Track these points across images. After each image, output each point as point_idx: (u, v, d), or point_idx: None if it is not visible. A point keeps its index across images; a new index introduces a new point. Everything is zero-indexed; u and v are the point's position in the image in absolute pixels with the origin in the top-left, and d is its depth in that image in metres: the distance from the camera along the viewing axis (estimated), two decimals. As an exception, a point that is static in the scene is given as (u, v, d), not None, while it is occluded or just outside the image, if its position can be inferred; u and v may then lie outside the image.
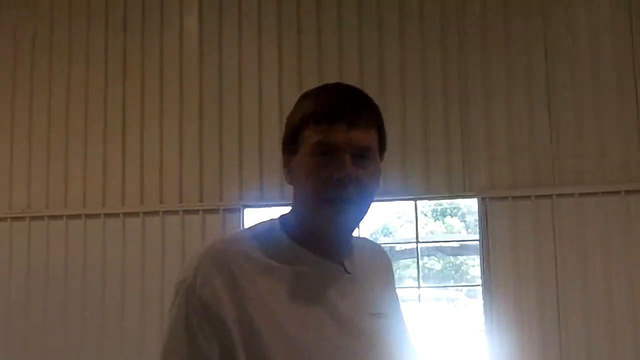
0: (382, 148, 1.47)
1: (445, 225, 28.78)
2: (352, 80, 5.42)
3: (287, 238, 1.44)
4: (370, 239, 1.76)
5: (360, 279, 1.49)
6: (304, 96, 1.45)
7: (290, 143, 1.43)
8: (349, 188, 1.36)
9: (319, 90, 1.44)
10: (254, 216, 5.60)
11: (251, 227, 1.51)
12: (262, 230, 1.47)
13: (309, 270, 1.42)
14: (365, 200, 1.41)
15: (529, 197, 5.25)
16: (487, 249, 5.27)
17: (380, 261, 1.64)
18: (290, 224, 1.46)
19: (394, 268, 1.70)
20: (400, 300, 1.67)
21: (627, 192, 5.14)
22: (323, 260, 1.44)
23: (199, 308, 1.33)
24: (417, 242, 5.95)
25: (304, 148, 1.39)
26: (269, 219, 1.51)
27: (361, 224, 1.48)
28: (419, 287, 5.80)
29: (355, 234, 1.55)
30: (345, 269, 1.46)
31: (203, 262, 1.38)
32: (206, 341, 1.32)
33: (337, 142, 1.36)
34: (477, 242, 5.38)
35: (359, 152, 1.38)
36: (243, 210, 5.62)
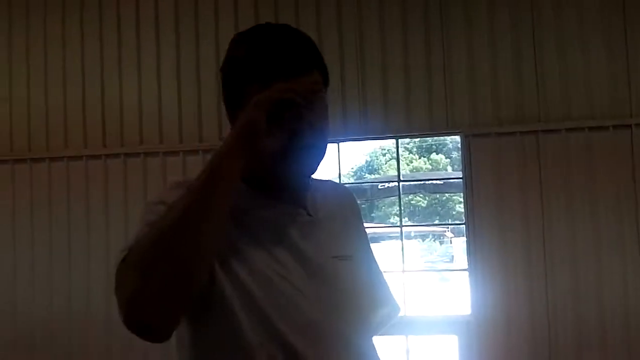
0: (326, 83, 1.43)
1: (430, 161, 28.99)
2: (330, 15, 5.33)
3: (243, 185, 1.40)
4: (334, 180, 1.75)
5: (322, 222, 1.47)
6: (241, 43, 1.40)
7: (235, 98, 1.39)
8: (307, 135, 1.33)
9: (257, 39, 1.38)
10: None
11: None
12: None
13: (270, 215, 1.41)
14: (323, 142, 1.40)
15: (513, 133, 5.17)
16: (471, 187, 5.22)
17: (344, 203, 1.63)
18: (246, 171, 1.40)
19: (364, 209, 1.68)
20: (368, 240, 1.66)
21: (615, 127, 5.07)
22: (283, 204, 1.43)
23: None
24: (399, 180, 5.90)
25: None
26: None
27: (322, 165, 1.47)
28: (400, 225, 5.77)
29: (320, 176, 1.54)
30: (307, 212, 1.45)
31: (167, 189, 1.38)
32: None
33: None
34: (461, 180, 5.33)
35: (311, 97, 1.34)
36: (223, 150, 5.51)
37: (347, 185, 5.76)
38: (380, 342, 1.58)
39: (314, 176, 1.49)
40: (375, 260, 1.65)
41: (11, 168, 5.73)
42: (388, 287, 1.66)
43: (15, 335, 5.57)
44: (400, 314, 1.68)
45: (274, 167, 1.37)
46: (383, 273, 1.66)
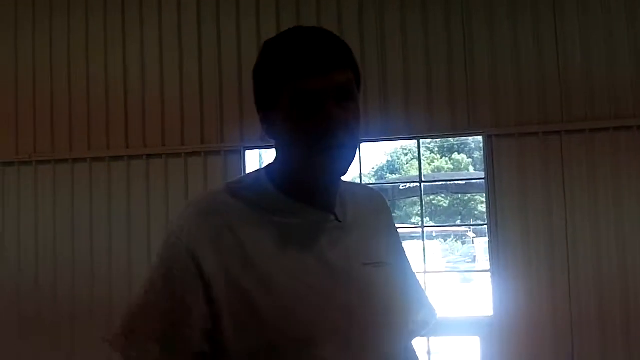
0: (358, 84, 1.41)
1: (452, 161, 28.85)
2: (352, 15, 5.33)
3: (274, 189, 1.41)
4: (365, 184, 1.73)
5: (352, 228, 1.45)
6: (271, 47, 1.39)
7: (267, 99, 1.38)
8: (339, 134, 1.31)
9: (286, 41, 1.37)
10: (255, 157, 5.55)
11: (238, 179, 1.48)
12: (249, 183, 1.43)
13: (297, 221, 1.39)
14: (355, 142, 1.37)
15: (536, 134, 5.14)
16: (494, 187, 5.19)
17: (376, 207, 1.60)
18: (277, 175, 1.42)
19: (391, 211, 1.67)
20: (401, 243, 1.63)
21: (640, 127, 5.03)
22: (312, 210, 1.41)
23: (183, 260, 1.30)
24: (421, 181, 5.88)
25: (284, 102, 1.33)
26: (255, 170, 1.48)
27: (351, 167, 1.44)
28: (422, 226, 5.75)
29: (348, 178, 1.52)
30: (336, 218, 1.43)
31: (190, 217, 1.36)
32: (187, 292, 1.29)
33: (319, 91, 1.31)
34: (483, 181, 5.30)
35: (342, 96, 1.33)
36: (244, 151, 5.54)
37: (368, 186, 5.74)
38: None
39: (343, 179, 1.47)
40: (409, 264, 1.62)
41: (71, 167, 5.78)
42: (423, 291, 1.64)
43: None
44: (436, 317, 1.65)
45: (305, 168, 1.37)
46: (417, 277, 1.64)
